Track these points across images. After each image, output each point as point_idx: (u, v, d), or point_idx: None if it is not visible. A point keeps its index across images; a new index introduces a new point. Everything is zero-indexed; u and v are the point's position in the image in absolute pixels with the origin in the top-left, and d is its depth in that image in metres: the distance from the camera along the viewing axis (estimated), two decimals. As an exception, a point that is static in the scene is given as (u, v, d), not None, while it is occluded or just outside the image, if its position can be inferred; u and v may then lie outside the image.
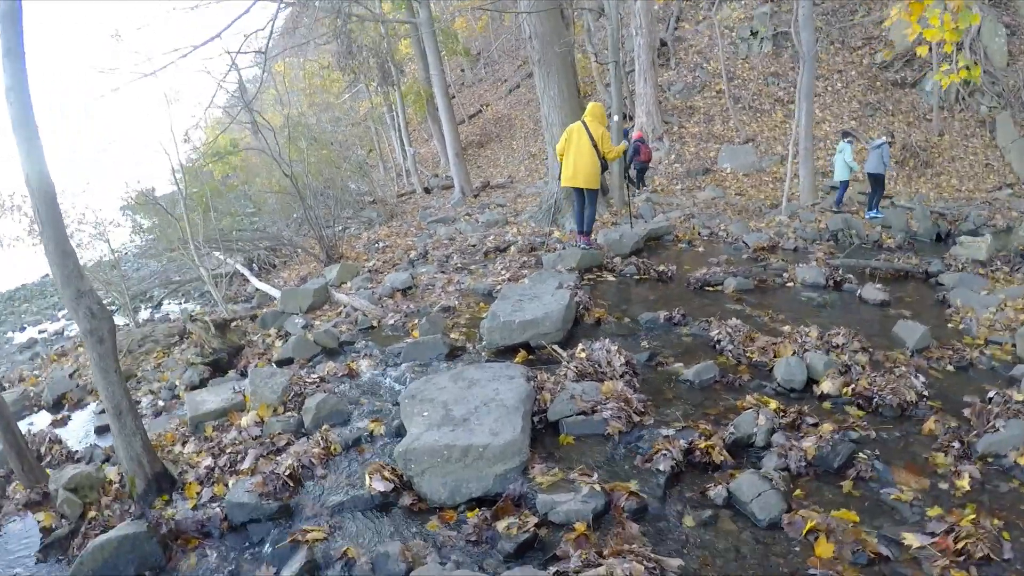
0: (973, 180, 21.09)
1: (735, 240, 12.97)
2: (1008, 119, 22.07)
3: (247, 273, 17.55)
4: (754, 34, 28.42)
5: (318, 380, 7.02)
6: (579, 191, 11.07)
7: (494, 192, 24.54)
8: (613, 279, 10.12)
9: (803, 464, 4.66)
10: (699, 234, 13.79)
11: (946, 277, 9.81)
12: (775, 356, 6.60)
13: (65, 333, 18.64)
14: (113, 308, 19.75)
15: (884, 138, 17.01)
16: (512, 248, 12.87)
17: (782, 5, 28.66)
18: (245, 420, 6.39)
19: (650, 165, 22.37)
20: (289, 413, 6.44)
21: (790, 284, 9.76)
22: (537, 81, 15.56)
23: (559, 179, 11.40)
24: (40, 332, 19.99)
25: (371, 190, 27.02)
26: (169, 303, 20.02)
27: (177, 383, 8.81)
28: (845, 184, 17.17)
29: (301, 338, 8.57)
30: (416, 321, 8.67)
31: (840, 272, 9.96)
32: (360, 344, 8.51)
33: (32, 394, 9.59)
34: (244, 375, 8.36)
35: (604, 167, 10.94)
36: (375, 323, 9.19)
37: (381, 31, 27.73)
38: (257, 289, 15.74)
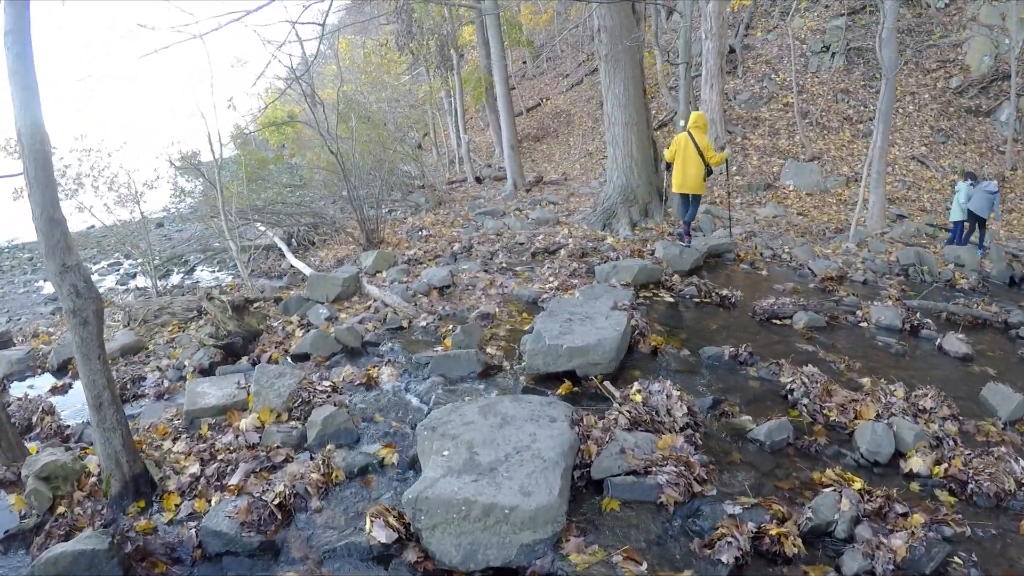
0: None
1: (800, 265, 12.12)
2: None
3: (284, 248, 16.93)
4: (826, 48, 27.40)
5: (330, 389, 6.24)
6: (685, 195, 11.82)
7: (547, 188, 23.65)
8: (671, 299, 9.24)
9: (891, 567, 3.84)
10: (761, 255, 12.88)
11: None
12: (856, 417, 5.73)
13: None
14: (135, 270, 19.38)
15: (995, 182, 15.90)
16: (562, 251, 12.05)
17: (857, 20, 27.62)
18: (244, 423, 5.72)
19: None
20: (293, 423, 5.72)
21: (863, 324, 8.83)
22: (602, 77, 14.72)
23: (670, 185, 12.21)
24: None
25: (421, 174, 26.22)
26: (202, 269, 19.52)
27: (187, 363, 8.14)
28: (959, 225, 15.97)
29: (321, 332, 7.85)
30: (450, 327, 7.88)
31: (917, 316, 9.02)
32: (385, 347, 7.75)
33: (40, 354, 9.04)
34: (256, 363, 7.71)
35: (708, 172, 11.57)
36: (405, 323, 8.45)
37: (444, 14, 27.02)
38: (291, 266, 15.15)
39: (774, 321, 8.51)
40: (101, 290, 17.01)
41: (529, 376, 6.38)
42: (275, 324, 9.05)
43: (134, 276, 19.53)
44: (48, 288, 19.85)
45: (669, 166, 12.15)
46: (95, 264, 22.41)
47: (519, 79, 41.76)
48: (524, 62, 43.94)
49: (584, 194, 21.15)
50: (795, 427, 5.46)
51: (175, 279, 18.35)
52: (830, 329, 8.45)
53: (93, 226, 17.88)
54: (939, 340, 8.14)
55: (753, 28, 30.63)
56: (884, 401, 5.97)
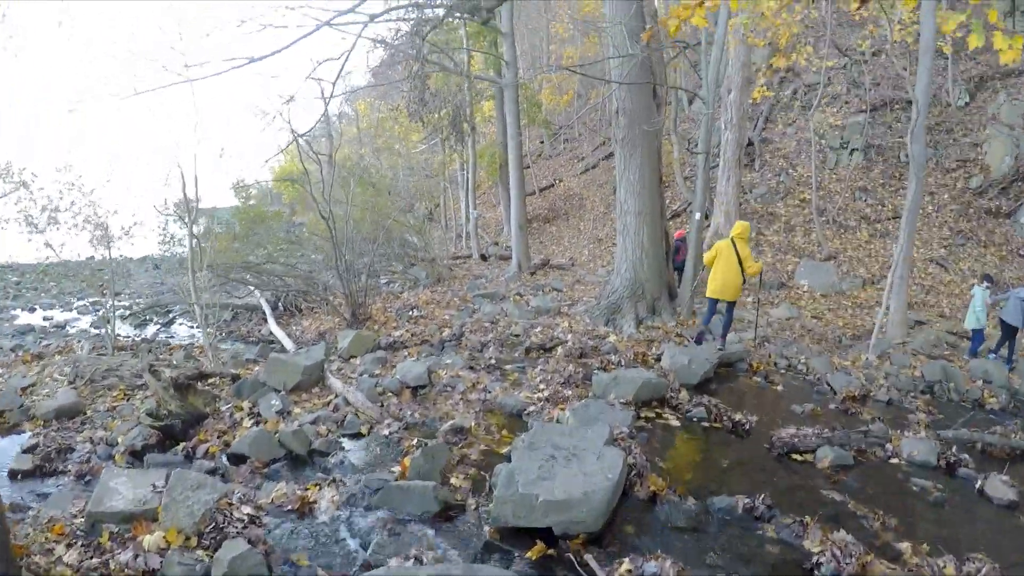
0: None
1: (818, 380, 11.19)
2: None
3: (268, 311, 15.97)
4: (845, 144, 26.74)
5: (249, 517, 5.11)
6: (714, 300, 11.97)
7: (552, 272, 22.77)
8: (677, 423, 8.12)
9: None
10: (775, 365, 12.01)
11: None
12: None
13: (67, 327, 17.37)
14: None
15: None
16: (559, 349, 11.08)
17: (878, 117, 27.08)
18: (149, 541, 4.67)
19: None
20: (200, 553, 4.64)
21: (894, 460, 7.74)
22: (617, 161, 13.95)
23: (709, 289, 12.02)
24: (45, 319, 19.03)
25: (424, 247, 25.33)
26: (181, 323, 18.56)
27: (120, 440, 7.25)
28: (978, 334, 14.84)
29: (264, 432, 6.78)
30: (414, 442, 6.77)
31: (953, 450, 7.95)
32: (335, 459, 6.70)
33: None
34: (190, 457, 6.70)
35: (744, 281, 11.77)
36: (365, 429, 7.40)
37: (459, 84, 26.55)
38: (271, 332, 14.19)
39: (794, 456, 7.39)
40: (71, 331, 16.26)
41: (494, 528, 5.23)
42: (224, 408, 8.04)
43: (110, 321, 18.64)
44: (25, 318, 19.01)
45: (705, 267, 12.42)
46: (77, 299, 21.58)
47: (535, 158, 41.44)
48: (541, 141, 43.69)
49: (590, 282, 20.27)
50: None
51: (151, 330, 17.36)
52: (858, 468, 7.35)
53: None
54: (980, 483, 7.08)
55: (772, 121, 30.10)
56: None
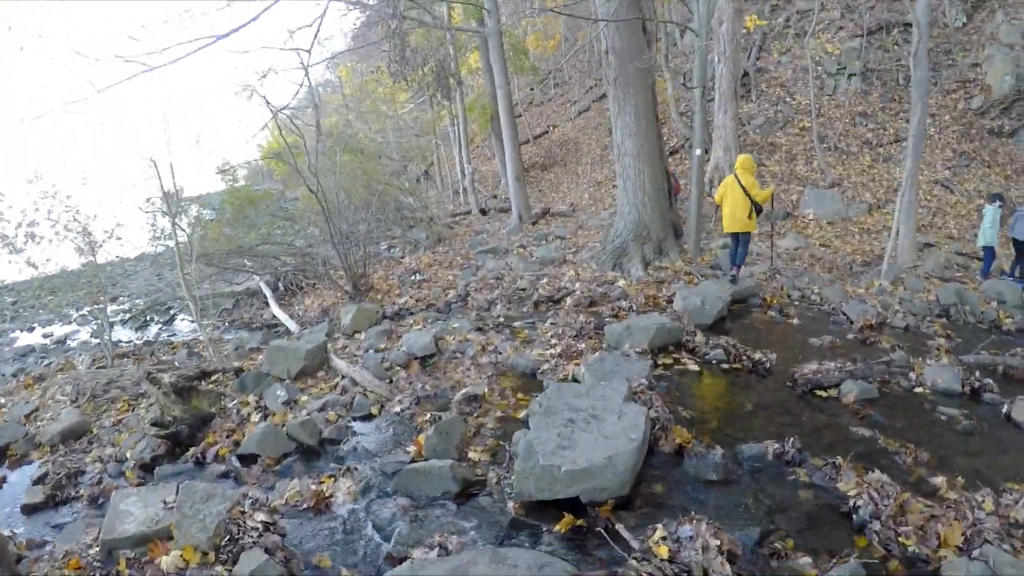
0: None
1: (833, 309, 11.04)
2: None
3: (268, 294, 15.69)
4: (842, 70, 26.28)
5: (263, 524, 4.85)
6: (735, 234, 12.20)
7: (554, 220, 22.39)
8: (695, 367, 7.86)
9: None
10: (789, 297, 11.81)
11: None
12: (941, 544, 4.44)
13: (67, 342, 17.03)
14: (114, 319, 18.21)
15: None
16: (568, 300, 10.82)
17: (874, 40, 26.56)
18: (166, 562, 4.43)
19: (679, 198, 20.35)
20: (220, 569, 4.38)
21: (919, 388, 7.55)
22: (611, 103, 13.58)
23: (722, 224, 12.56)
24: (45, 336, 18.56)
25: (422, 208, 24.88)
26: (183, 318, 18.23)
27: (128, 455, 7.01)
28: (989, 251, 14.68)
29: (271, 428, 6.51)
30: (427, 417, 6.54)
31: (976, 375, 7.76)
32: (347, 446, 6.43)
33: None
34: (201, 463, 6.46)
35: (759, 211, 11.96)
36: (376, 408, 7.14)
37: (440, 38, 25.93)
38: (275, 316, 13.95)
39: (818, 393, 7.18)
40: (72, 344, 15.98)
41: (518, 502, 4.99)
42: (230, 406, 7.75)
43: (111, 327, 18.26)
44: (25, 338, 18.68)
45: (717, 207, 13.17)
46: (76, 311, 21.21)
47: (526, 106, 40.76)
48: (531, 88, 42.89)
49: (593, 227, 19.94)
50: (866, 569, 4.15)
51: (153, 330, 17.10)
52: (883, 400, 7.14)
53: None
54: (1007, 407, 6.90)
55: (766, 51, 29.47)
56: (971, 518, 4.66)
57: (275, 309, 14.27)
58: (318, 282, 16.08)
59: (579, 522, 4.66)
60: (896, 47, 26.20)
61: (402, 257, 18.86)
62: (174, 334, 16.27)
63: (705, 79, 14.15)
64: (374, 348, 9.26)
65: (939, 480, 5.28)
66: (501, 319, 10.20)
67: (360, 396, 7.35)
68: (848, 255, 16.77)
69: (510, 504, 5.00)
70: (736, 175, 11.83)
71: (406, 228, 22.55)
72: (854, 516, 4.76)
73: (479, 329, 9.62)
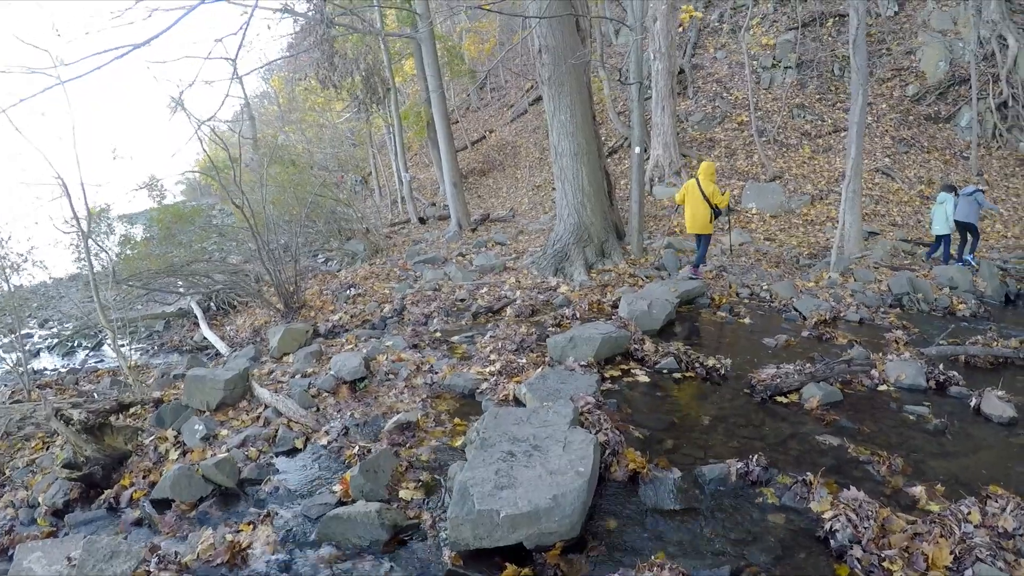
0: (1019, 225, 18.98)
1: (785, 306, 10.83)
2: None
3: (199, 314, 14.86)
4: (777, 63, 26.41)
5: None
6: (696, 234, 12.71)
7: (494, 226, 21.89)
8: (646, 378, 7.32)
9: None
10: (737, 295, 11.58)
11: None
12: (929, 566, 4.00)
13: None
14: (40, 345, 17.20)
15: (978, 186, 15.15)
16: (508, 310, 10.30)
17: (807, 33, 26.74)
18: None
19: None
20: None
21: (883, 387, 7.22)
22: (546, 103, 13.13)
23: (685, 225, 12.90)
24: None
25: (359, 219, 24.04)
26: (109, 343, 17.20)
27: (40, 500, 6.29)
28: (946, 239, 14.76)
29: (184, 470, 5.74)
30: (355, 451, 5.88)
31: (940, 367, 7.49)
32: (269, 486, 5.70)
33: None
34: (114, 508, 5.81)
35: (717, 213, 12.56)
36: (301, 442, 6.42)
37: (373, 43, 25.19)
38: (205, 337, 13.17)
39: (778, 399, 6.73)
40: None
41: (455, 552, 4.35)
42: (147, 442, 7.01)
43: (37, 354, 17.14)
44: None
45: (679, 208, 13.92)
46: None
47: (463, 112, 40.25)
48: (468, 94, 42.36)
49: (534, 231, 19.49)
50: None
51: (80, 356, 16.11)
52: (848, 402, 6.75)
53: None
54: (975, 400, 6.66)
55: (701, 47, 29.40)
56: (958, 533, 4.23)
57: (205, 330, 13.50)
58: (250, 300, 15.28)
59: (524, 572, 4.09)
60: (829, 38, 26.55)
61: (339, 270, 18.13)
62: (101, 360, 15.33)
63: (642, 75, 13.75)
64: (301, 372, 8.52)
65: (918, 490, 4.89)
66: (438, 334, 9.58)
67: (284, 428, 6.67)
68: (794, 248, 16.62)
69: (446, 553, 4.38)
70: (698, 180, 12.32)
71: (343, 240, 21.81)
72: (831, 541, 4.27)
73: (414, 346, 8.99)
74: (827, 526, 4.34)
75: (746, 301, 11.18)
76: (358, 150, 35.79)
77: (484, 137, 35.13)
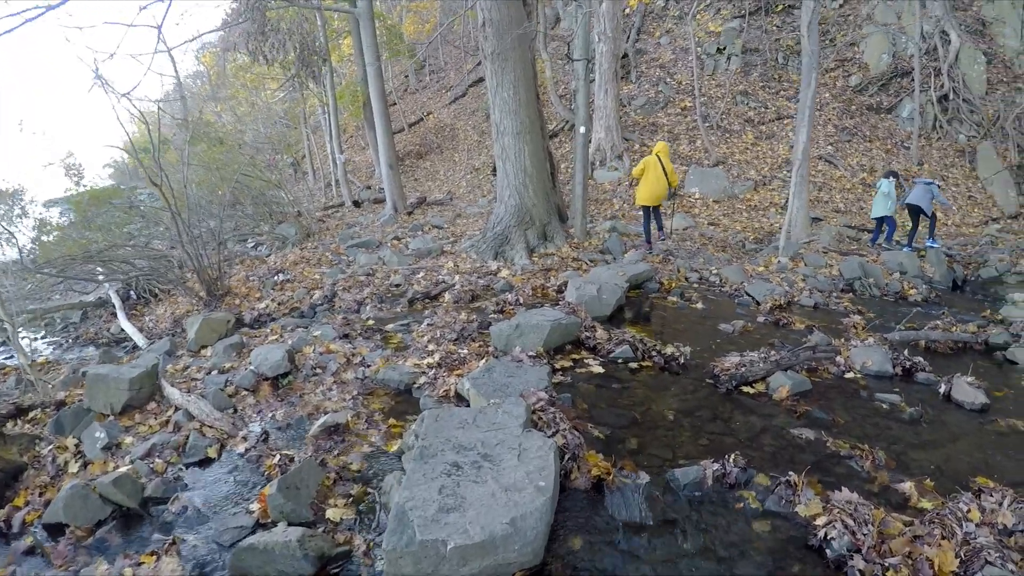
0: (959, 213, 19.41)
1: (736, 291, 10.48)
2: (990, 150, 20.76)
3: (117, 304, 13.77)
4: (721, 50, 26.36)
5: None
6: (648, 207, 13.55)
7: (431, 210, 21.19)
8: (600, 369, 6.67)
9: None
10: (687, 280, 11.12)
11: (1019, 353, 7.62)
12: (936, 573, 3.55)
13: None
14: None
15: (935, 180, 15.39)
16: (446, 296, 9.61)
17: (751, 21, 26.65)
18: None
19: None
20: None
21: (849, 374, 6.81)
22: (488, 79, 12.46)
23: (639, 199, 13.52)
24: None
25: (290, 202, 22.93)
26: (24, 336, 15.92)
27: None
28: (890, 221, 14.84)
29: (79, 489, 4.79)
30: (275, 459, 5.05)
31: (906, 354, 7.18)
32: (176, 506, 4.78)
33: None
34: (4, 534, 4.87)
35: (672, 194, 13.80)
36: (215, 451, 5.54)
37: (304, 13, 24.10)
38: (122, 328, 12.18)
39: (745, 389, 6.18)
40: None
41: None
42: (45, 452, 6.03)
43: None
44: None
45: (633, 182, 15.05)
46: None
47: (401, 93, 39.38)
48: (406, 76, 41.44)
49: (472, 215, 18.90)
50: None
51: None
52: (817, 392, 6.28)
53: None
54: (944, 386, 6.44)
55: (645, 32, 29.09)
56: (959, 533, 3.79)
57: (123, 321, 12.47)
58: (172, 288, 14.24)
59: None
60: (773, 27, 26.70)
61: (268, 255, 17.14)
62: (10, 356, 14.17)
63: (588, 53, 13.17)
64: (219, 368, 7.56)
65: (907, 486, 4.45)
66: (371, 322, 8.80)
67: (196, 434, 5.77)
68: (738, 232, 16.43)
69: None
70: (658, 156, 13.15)
71: (274, 224, 20.81)
72: (827, 550, 3.72)
73: (345, 336, 8.16)
74: (821, 534, 3.80)
75: (696, 285, 10.74)
76: (292, 131, 34.62)
77: (422, 119, 34.31)
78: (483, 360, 6.38)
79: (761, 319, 8.85)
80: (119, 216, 18.99)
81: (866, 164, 21.10)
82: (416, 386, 6.26)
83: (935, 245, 14.17)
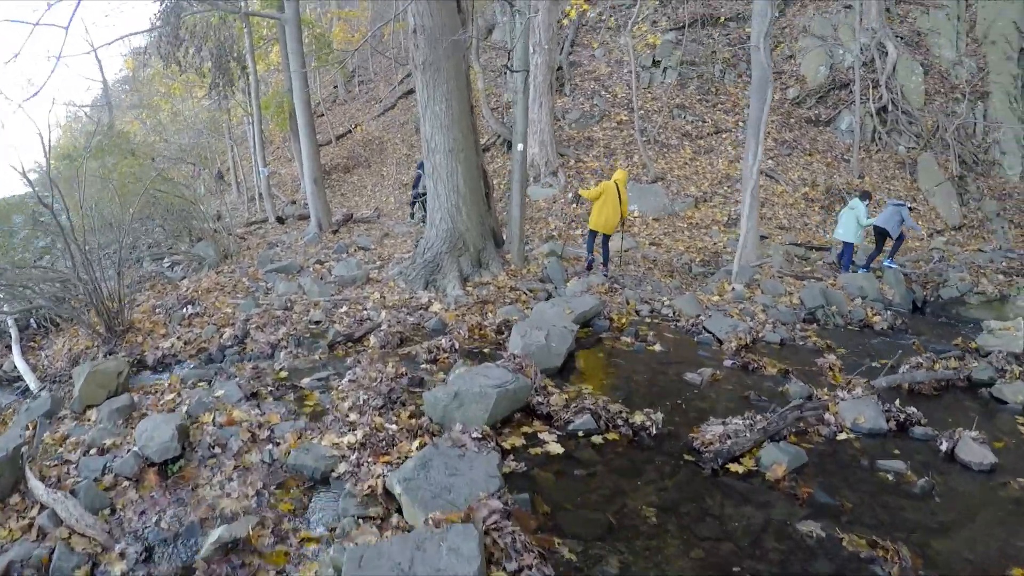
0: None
1: (694, 326, 9.64)
2: (931, 161, 20.75)
3: (13, 336, 12.08)
4: (657, 63, 25.94)
5: None
6: (597, 233, 13.00)
7: (357, 227, 19.97)
8: (558, 447, 5.49)
9: None
10: (638, 313, 10.29)
11: (1007, 390, 7.35)
12: None
13: None
14: None
15: (906, 202, 14.98)
16: (372, 338, 8.45)
17: (688, 34, 26.26)
18: None
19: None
20: None
21: (842, 435, 6.04)
22: (419, 91, 11.43)
23: (592, 224, 12.90)
24: None
25: (209, 218, 21.25)
26: None
27: None
28: (850, 247, 14.26)
29: None
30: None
31: (897, 405, 6.52)
32: None
33: None
34: None
35: (622, 223, 13.14)
36: (84, 571, 4.22)
37: (227, 19, 22.66)
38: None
39: (732, 468, 5.17)
40: None
41: None
42: None
43: None
44: None
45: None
46: None
47: (329, 104, 38.08)
48: (335, 86, 40.12)
49: (400, 234, 17.82)
50: None
51: None
52: (814, 464, 5.43)
53: None
54: (946, 444, 5.87)
55: (579, 44, 28.41)
56: None
57: (16, 357, 10.82)
58: (73, 319, 12.56)
59: None
60: (710, 40, 26.35)
61: (182, 278, 15.56)
62: None
63: (527, 64, 12.21)
64: (99, 445, 5.95)
65: None
66: (284, 374, 7.53)
67: (63, 546, 4.42)
68: (682, 254, 15.75)
69: None
70: (616, 184, 12.73)
71: (193, 242, 19.24)
72: None
73: (253, 395, 6.80)
74: None
75: (648, 320, 9.87)
76: (217, 142, 32.98)
77: (350, 131, 33.11)
78: (416, 441, 5.16)
79: (728, 362, 8.06)
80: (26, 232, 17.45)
81: (807, 178, 20.70)
82: (335, 475, 5.02)
83: (892, 266, 13.89)
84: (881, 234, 13.94)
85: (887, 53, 22.75)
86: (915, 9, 24.80)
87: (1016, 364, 8.27)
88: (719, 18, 26.68)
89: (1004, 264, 14.24)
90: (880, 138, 22.06)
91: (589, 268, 13.05)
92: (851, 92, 22.20)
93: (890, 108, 22.04)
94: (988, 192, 19.89)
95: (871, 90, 22.18)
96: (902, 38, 23.71)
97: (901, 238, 14.12)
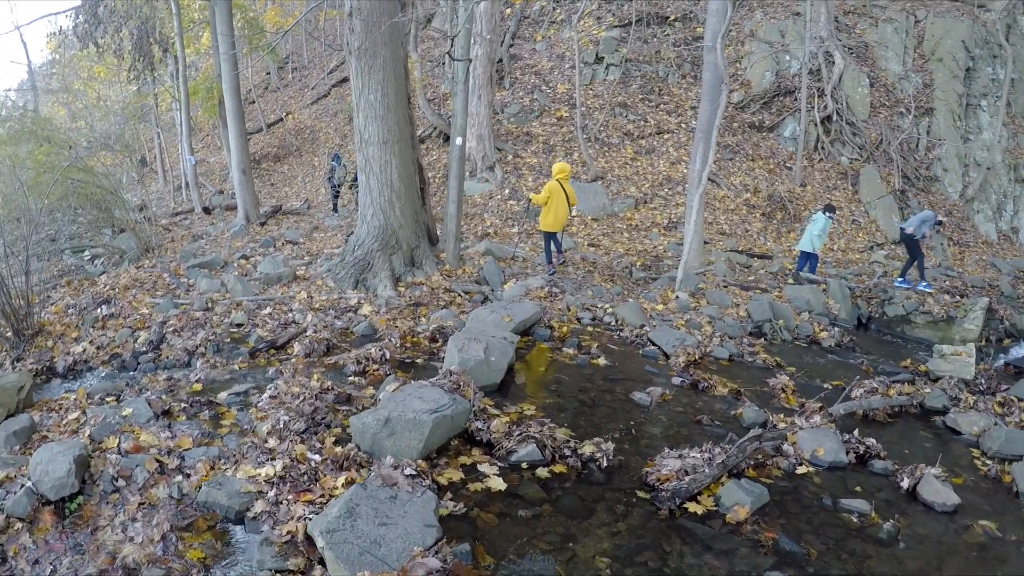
0: (843, 238, 19.47)
1: (638, 337, 9.24)
2: (873, 173, 20.95)
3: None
4: (600, 59, 25.48)
5: None
6: (551, 233, 13.00)
7: (286, 220, 19.25)
8: (500, 482, 4.93)
9: None
10: (579, 321, 9.87)
11: (961, 420, 7.07)
12: None
13: None
14: None
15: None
16: (296, 346, 7.83)
17: (632, 32, 25.91)
18: None
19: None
20: None
21: (802, 468, 5.67)
22: (353, 79, 10.88)
23: (543, 224, 12.86)
24: None
25: (130, 208, 20.13)
26: None
27: None
28: (810, 256, 14.45)
29: None
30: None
31: (856, 436, 6.21)
32: None
33: None
34: None
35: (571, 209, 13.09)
36: None
37: (158, 3, 21.65)
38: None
39: (690, 508, 4.71)
40: None
41: None
42: None
43: None
44: None
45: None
46: None
47: (261, 91, 36.92)
48: (268, 73, 38.96)
49: (330, 228, 17.25)
50: None
51: None
52: (775, 503, 5.02)
53: None
54: (907, 481, 5.54)
55: (520, 38, 27.87)
56: None
57: None
58: None
59: None
60: (655, 39, 26.16)
61: (102, 273, 14.58)
62: None
63: (470, 53, 11.69)
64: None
65: None
66: (199, 386, 6.85)
67: None
68: (622, 256, 15.37)
69: None
70: (560, 182, 12.58)
71: (116, 233, 18.22)
72: None
73: (165, 413, 6.06)
74: None
75: (590, 329, 9.48)
76: (142, 128, 31.64)
77: (281, 120, 32.14)
78: (342, 476, 4.53)
79: (677, 380, 7.67)
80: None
81: (749, 184, 20.65)
82: (251, 516, 4.38)
83: (905, 285, 13.85)
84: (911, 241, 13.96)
85: (834, 63, 22.85)
86: (864, 20, 25.03)
87: (968, 392, 8.15)
88: (668, 17, 26.52)
89: (947, 283, 14.43)
90: (823, 147, 22.18)
91: (551, 265, 13.08)
92: (796, 99, 22.27)
93: (835, 118, 22.16)
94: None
95: (816, 99, 22.26)
96: (850, 49, 23.87)
97: (914, 256, 14.08)
